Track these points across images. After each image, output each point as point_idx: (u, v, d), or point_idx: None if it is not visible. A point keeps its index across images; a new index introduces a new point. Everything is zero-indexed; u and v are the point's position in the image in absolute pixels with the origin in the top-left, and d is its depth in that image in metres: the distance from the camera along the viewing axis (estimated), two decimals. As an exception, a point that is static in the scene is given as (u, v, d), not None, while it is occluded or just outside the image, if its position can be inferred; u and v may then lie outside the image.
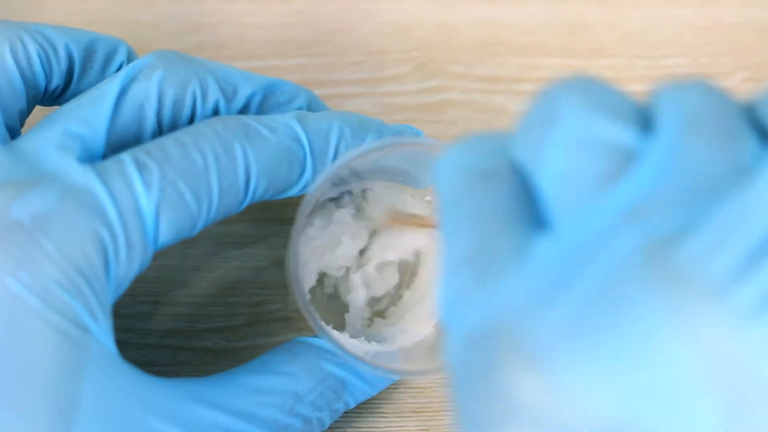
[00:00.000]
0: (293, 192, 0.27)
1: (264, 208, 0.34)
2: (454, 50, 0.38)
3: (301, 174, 0.27)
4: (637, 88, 0.38)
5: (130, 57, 0.29)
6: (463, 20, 0.38)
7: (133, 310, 0.32)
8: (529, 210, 0.17)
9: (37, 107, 0.28)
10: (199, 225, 0.25)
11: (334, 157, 0.27)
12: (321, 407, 0.27)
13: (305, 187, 0.27)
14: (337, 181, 0.30)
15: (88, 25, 0.32)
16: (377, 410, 0.31)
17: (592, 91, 0.16)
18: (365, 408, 0.31)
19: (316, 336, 0.27)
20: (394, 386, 0.31)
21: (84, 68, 0.28)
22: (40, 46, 0.27)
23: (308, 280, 0.30)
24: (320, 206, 0.30)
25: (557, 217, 0.16)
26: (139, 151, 0.24)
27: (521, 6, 0.39)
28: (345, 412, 0.28)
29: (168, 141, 0.25)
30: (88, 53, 0.28)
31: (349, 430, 0.31)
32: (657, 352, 0.13)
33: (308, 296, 0.26)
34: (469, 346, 0.16)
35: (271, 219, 0.34)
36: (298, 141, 0.27)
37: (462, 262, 0.16)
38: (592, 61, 0.38)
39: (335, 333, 0.29)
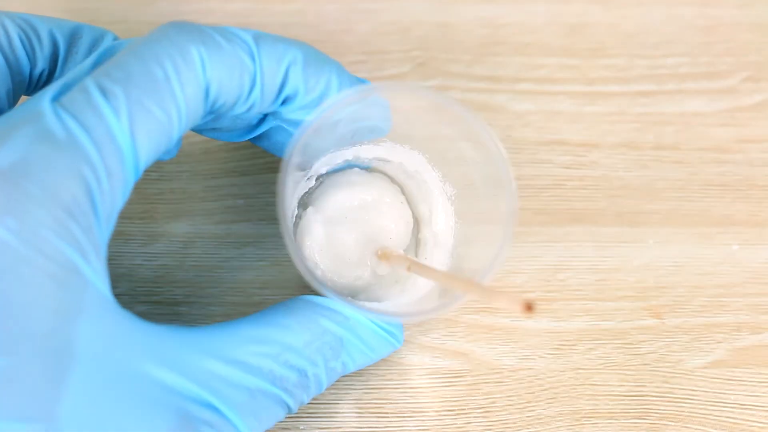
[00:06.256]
0: (242, 109, 0.27)
1: (264, 208, 0.34)
2: (454, 50, 0.38)
3: (251, 90, 0.27)
4: (637, 88, 0.38)
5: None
6: (463, 20, 0.38)
7: (133, 310, 0.32)
8: None
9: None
10: (175, 135, 0.25)
11: (283, 81, 0.27)
12: (316, 363, 0.27)
13: (252, 107, 0.27)
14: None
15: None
16: (377, 410, 0.31)
17: None
18: (366, 407, 0.31)
19: (318, 295, 0.27)
20: (394, 386, 0.31)
21: (68, 53, 0.28)
22: (22, 30, 0.27)
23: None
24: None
25: None
26: (101, 75, 0.24)
27: (521, 5, 0.39)
28: (344, 412, 0.28)
29: (126, 57, 0.25)
30: (73, 39, 0.28)
31: (349, 430, 0.31)
32: None
33: (307, 259, 0.25)
34: None
35: (271, 219, 0.34)
36: (251, 56, 0.26)
37: None
38: (592, 60, 0.38)
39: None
